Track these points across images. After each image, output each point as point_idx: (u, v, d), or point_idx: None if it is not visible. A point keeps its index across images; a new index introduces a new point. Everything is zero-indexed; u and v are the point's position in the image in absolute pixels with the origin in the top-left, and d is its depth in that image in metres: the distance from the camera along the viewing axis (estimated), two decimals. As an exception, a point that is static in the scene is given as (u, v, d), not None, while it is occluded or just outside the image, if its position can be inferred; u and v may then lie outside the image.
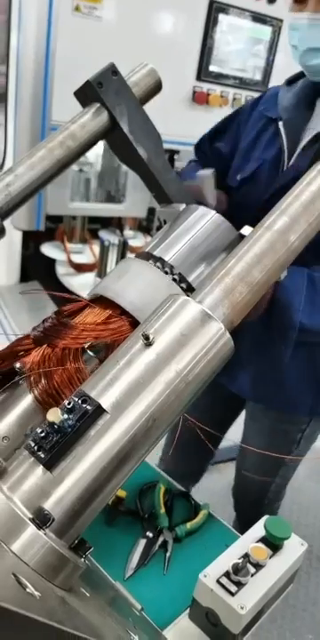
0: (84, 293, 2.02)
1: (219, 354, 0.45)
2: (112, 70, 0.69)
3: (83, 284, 2.19)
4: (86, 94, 0.70)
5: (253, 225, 0.52)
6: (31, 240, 2.36)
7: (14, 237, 2.20)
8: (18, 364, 0.50)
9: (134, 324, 0.54)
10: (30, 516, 0.37)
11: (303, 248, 0.51)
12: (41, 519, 0.37)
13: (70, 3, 1.55)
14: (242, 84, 1.93)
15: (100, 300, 0.57)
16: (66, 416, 0.40)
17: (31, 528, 0.37)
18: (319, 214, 0.51)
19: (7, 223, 0.65)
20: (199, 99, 1.84)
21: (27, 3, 1.57)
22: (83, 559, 0.41)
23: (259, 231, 0.50)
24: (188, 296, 0.47)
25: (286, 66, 1.99)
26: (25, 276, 2.37)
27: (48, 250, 2.38)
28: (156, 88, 0.77)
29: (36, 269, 2.41)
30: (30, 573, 0.35)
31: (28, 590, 0.31)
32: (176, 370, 0.43)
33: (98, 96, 0.69)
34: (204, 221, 0.63)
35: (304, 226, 0.50)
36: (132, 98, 0.71)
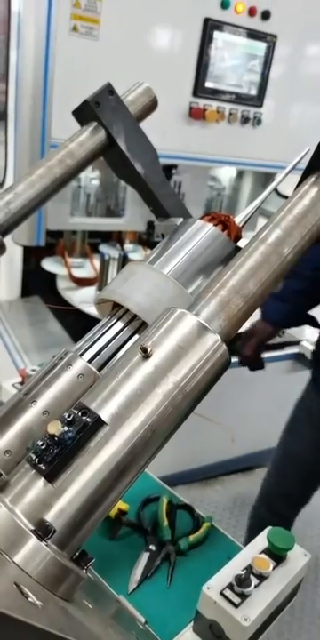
0: (85, 307, 2.01)
1: (216, 365, 0.46)
2: (109, 90, 0.71)
3: (83, 298, 2.20)
4: (84, 113, 0.72)
5: None
6: (32, 255, 2.38)
7: (15, 253, 2.22)
8: None
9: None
10: (32, 528, 0.38)
11: (296, 261, 0.52)
12: (42, 531, 0.38)
13: (68, 24, 1.58)
14: (238, 99, 1.95)
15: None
16: (66, 428, 0.41)
17: (33, 540, 0.37)
18: (312, 227, 0.52)
19: (8, 239, 0.67)
20: (196, 114, 1.86)
21: (25, 23, 1.60)
22: (84, 571, 0.41)
23: (253, 244, 0.51)
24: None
25: (281, 80, 2.03)
26: (26, 290, 2.39)
27: (49, 265, 2.39)
28: (152, 106, 0.78)
29: (37, 284, 2.42)
30: (32, 584, 0.35)
31: (29, 599, 0.31)
32: (174, 381, 0.43)
33: (95, 115, 0.71)
34: (201, 234, 0.64)
35: (298, 238, 0.51)
36: (128, 116, 0.73)
